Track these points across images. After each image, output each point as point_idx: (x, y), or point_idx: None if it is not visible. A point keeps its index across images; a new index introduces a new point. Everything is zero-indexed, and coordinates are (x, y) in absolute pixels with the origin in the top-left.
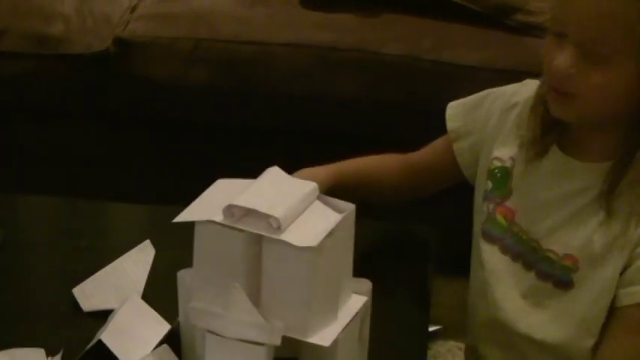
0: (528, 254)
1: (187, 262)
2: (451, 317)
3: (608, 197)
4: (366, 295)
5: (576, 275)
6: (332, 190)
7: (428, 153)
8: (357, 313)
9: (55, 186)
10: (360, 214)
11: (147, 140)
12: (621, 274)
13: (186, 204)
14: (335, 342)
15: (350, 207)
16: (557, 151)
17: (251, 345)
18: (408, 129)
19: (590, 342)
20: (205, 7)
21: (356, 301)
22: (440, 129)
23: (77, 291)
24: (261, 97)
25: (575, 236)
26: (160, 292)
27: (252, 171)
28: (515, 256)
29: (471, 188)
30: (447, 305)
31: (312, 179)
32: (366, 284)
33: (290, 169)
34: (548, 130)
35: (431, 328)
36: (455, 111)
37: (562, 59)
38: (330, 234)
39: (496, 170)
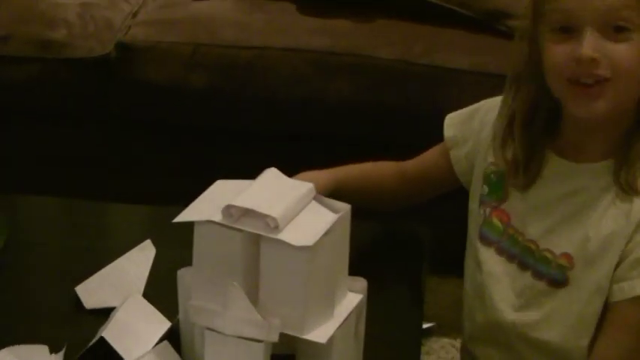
0: (524, 255)
1: (187, 261)
2: (444, 315)
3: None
4: (361, 293)
5: (571, 273)
6: (331, 195)
7: (424, 160)
8: (352, 311)
9: (57, 187)
10: (355, 214)
11: (147, 142)
12: (614, 271)
13: (186, 204)
14: (331, 339)
15: (345, 207)
16: (553, 156)
17: (249, 342)
18: (402, 131)
19: (586, 340)
20: (205, 13)
21: (352, 299)
22: (432, 130)
23: (80, 289)
24: (259, 100)
25: (571, 235)
26: (161, 291)
27: (250, 172)
28: (511, 257)
29: (465, 191)
30: (441, 303)
31: (314, 183)
32: (362, 282)
33: (287, 171)
34: (531, 158)
35: (425, 325)
36: (452, 121)
37: (584, 48)
38: (327, 234)
39: (492, 175)
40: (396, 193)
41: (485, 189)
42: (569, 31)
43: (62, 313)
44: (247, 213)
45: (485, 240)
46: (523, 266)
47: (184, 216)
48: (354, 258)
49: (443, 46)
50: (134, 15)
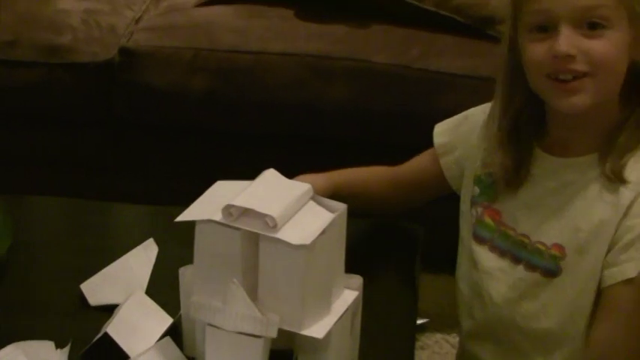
0: (516, 249)
1: (188, 259)
2: (438, 311)
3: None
4: (357, 290)
5: (564, 263)
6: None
7: (414, 167)
8: (348, 307)
9: (62, 188)
10: (351, 214)
11: (150, 144)
12: (605, 257)
13: (187, 204)
14: (328, 334)
15: (342, 207)
16: (540, 153)
17: (249, 337)
18: (398, 134)
19: (582, 326)
20: (205, 19)
21: (348, 295)
22: (428, 133)
23: (85, 287)
24: (258, 103)
25: (562, 227)
26: (163, 288)
27: (249, 173)
28: (503, 252)
29: (456, 194)
30: (434, 299)
31: (312, 185)
32: (358, 280)
33: (284, 172)
34: (522, 160)
35: (419, 321)
36: (441, 129)
37: (560, 44)
38: (323, 232)
39: (482, 176)
40: (388, 198)
41: (477, 190)
42: (546, 29)
43: (67, 309)
44: (247, 212)
45: (478, 238)
46: (515, 260)
47: (186, 215)
48: (350, 256)
49: (438, 51)
50: (137, 21)
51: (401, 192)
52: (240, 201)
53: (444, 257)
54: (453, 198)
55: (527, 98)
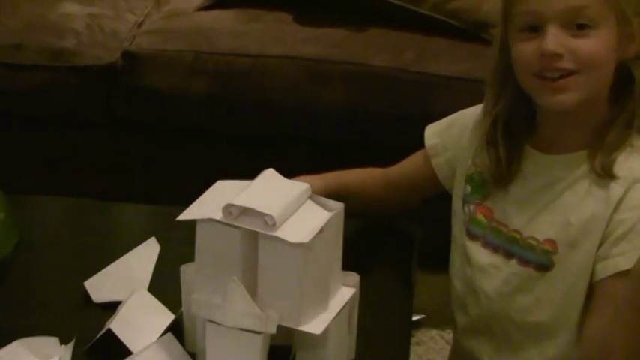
0: (508, 244)
1: (189, 257)
2: (433, 307)
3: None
4: (354, 287)
5: (556, 257)
6: None
7: (407, 168)
8: (346, 304)
9: (67, 188)
10: (348, 213)
11: (151, 145)
12: (597, 251)
13: (188, 204)
14: (326, 330)
15: (339, 206)
16: (530, 150)
17: (248, 333)
18: (394, 135)
19: (574, 318)
20: (205, 23)
21: (345, 292)
22: (423, 134)
23: (88, 284)
24: (257, 105)
25: (553, 222)
26: (165, 285)
27: (248, 174)
28: (496, 248)
29: (449, 194)
30: (430, 296)
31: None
32: (355, 277)
33: (283, 173)
34: (512, 157)
35: (415, 317)
36: (432, 130)
37: (547, 43)
38: (321, 231)
39: (474, 175)
40: (383, 199)
41: (468, 189)
42: (534, 30)
43: (72, 306)
44: (246, 211)
45: (471, 235)
46: (508, 255)
47: (187, 214)
48: (348, 254)
49: (433, 54)
50: (139, 25)
51: (395, 193)
52: (240, 200)
53: (439, 256)
54: (448, 198)
55: (517, 97)
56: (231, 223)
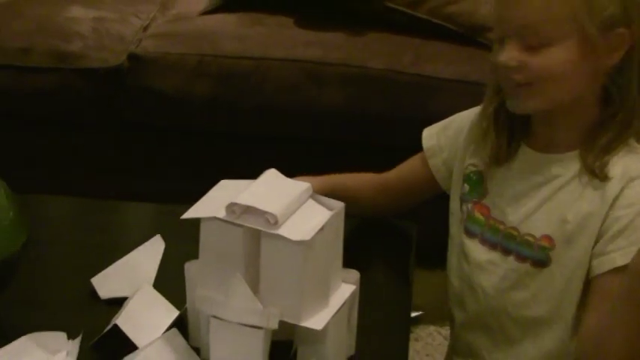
0: (506, 242)
1: (194, 255)
2: (431, 304)
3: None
4: (354, 284)
5: (553, 253)
6: None
7: (404, 171)
8: (346, 300)
9: (74, 187)
10: (348, 212)
11: (156, 145)
12: (593, 248)
13: (192, 202)
14: (326, 326)
15: (339, 205)
16: (527, 149)
17: (251, 329)
18: (392, 136)
19: (570, 313)
20: (209, 27)
21: (345, 289)
22: (419, 136)
23: (95, 280)
24: (259, 107)
25: (549, 219)
26: (170, 282)
27: (250, 174)
28: (493, 245)
29: (447, 194)
30: (428, 293)
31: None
32: (355, 274)
33: (284, 172)
34: (509, 142)
35: (413, 314)
36: (429, 132)
37: (504, 55)
38: (322, 229)
39: (471, 174)
40: (378, 204)
41: (466, 188)
42: (501, 41)
43: (79, 302)
44: (249, 210)
45: (470, 233)
46: (506, 252)
47: (191, 213)
48: (347, 252)
49: (430, 57)
50: (145, 29)
51: (391, 198)
52: (243, 199)
53: (436, 254)
54: (444, 198)
55: None
56: (234, 221)
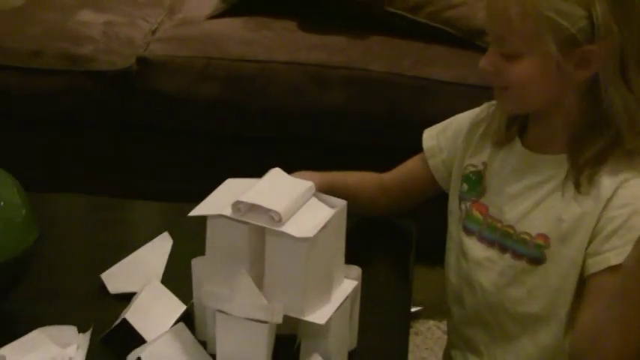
0: (503, 239)
1: (200, 251)
2: (430, 299)
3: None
4: (356, 280)
5: (548, 251)
6: None
7: (405, 172)
8: (348, 295)
9: (84, 186)
10: (350, 210)
11: (164, 146)
12: (587, 247)
13: (199, 201)
14: (329, 320)
15: (342, 203)
16: (521, 148)
17: (255, 323)
18: (392, 137)
19: (564, 310)
20: (216, 31)
21: (347, 285)
22: (419, 137)
23: (105, 276)
24: (263, 109)
25: (545, 218)
26: (177, 277)
27: (254, 174)
28: (491, 243)
29: (445, 194)
30: (427, 289)
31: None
32: (356, 270)
33: (287, 171)
34: (510, 125)
35: (413, 309)
36: (429, 133)
37: (483, 60)
38: (325, 226)
39: (470, 174)
40: (378, 204)
41: (465, 187)
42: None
43: (89, 297)
44: (254, 208)
45: (468, 231)
46: (502, 249)
47: (198, 211)
48: (349, 249)
49: (430, 60)
50: (153, 32)
51: (390, 197)
52: (248, 197)
53: (435, 251)
54: (443, 198)
55: None
56: (239, 218)
